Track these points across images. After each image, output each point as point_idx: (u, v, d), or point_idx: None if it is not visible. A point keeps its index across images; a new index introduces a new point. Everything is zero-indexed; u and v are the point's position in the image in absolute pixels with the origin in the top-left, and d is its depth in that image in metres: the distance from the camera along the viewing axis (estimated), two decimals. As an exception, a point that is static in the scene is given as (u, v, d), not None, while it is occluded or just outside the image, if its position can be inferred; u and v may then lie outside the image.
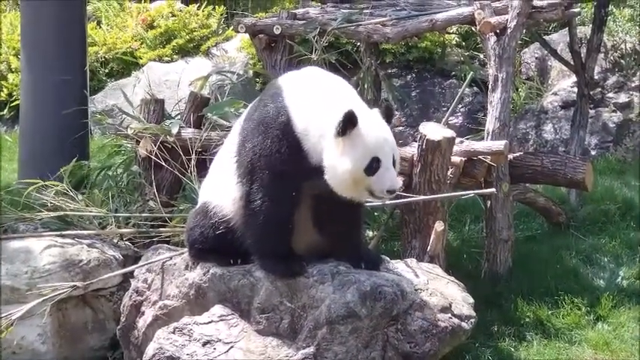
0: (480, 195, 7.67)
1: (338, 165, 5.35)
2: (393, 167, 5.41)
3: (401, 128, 7.67)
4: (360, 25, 8.38)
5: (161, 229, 7.47)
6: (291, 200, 5.53)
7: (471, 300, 6.05)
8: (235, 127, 5.93)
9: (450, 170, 7.26)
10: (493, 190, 7.36)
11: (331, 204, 5.53)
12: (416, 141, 7.22)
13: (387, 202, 7.20)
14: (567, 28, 9.62)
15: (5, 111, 13.85)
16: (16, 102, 12.22)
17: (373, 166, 5.34)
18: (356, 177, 5.34)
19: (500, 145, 7.50)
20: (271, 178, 5.50)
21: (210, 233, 5.82)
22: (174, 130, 7.81)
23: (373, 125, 5.40)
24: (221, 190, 5.79)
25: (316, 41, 8.35)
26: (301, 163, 5.45)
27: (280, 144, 5.48)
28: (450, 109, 8.44)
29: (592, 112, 10.96)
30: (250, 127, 5.65)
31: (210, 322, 5.71)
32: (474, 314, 5.92)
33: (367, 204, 6.90)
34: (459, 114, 12.26)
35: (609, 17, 10.81)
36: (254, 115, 5.67)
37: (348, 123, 5.29)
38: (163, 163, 7.79)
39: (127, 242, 7.51)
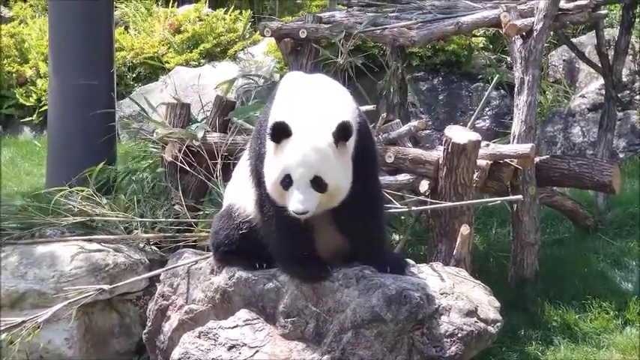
0: (506, 200, 7.64)
1: (267, 172, 5.42)
2: (308, 189, 5.32)
3: (428, 132, 7.65)
4: (386, 28, 8.35)
5: (187, 233, 7.48)
6: None
7: (497, 304, 6.03)
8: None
9: (476, 174, 7.23)
10: (520, 197, 7.31)
11: (352, 207, 5.50)
12: (442, 144, 7.20)
13: (413, 207, 7.22)
14: (595, 31, 9.56)
15: (34, 116, 13.95)
16: (45, 107, 12.30)
17: (286, 183, 5.33)
18: (276, 188, 5.38)
19: (526, 148, 7.47)
20: None
21: (234, 235, 5.84)
22: (200, 135, 7.82)
23: (301, 142, 5.32)
24: (243, 191, 5.82)
25: (342, 45, 8.34)
26: None
27: (266, 147, 5.50)
28: (476, 112, 8.41)
29: (620, 114, 10.89)
30: (254, 129, 5.74)
31: (235, 327, 5.73)
32: (500, 318, 5.90)
33: (392, 209, 6.94)
34: (486, 117, 12.23)
35: (638, 19, 10.73)
36: (259, 116, 5.73)
37: (276, 133, 5.30)
38: (189, 168, 7.81)
39: (153, 247, 7.53)
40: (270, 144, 5.39)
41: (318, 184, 5.32)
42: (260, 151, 5.57)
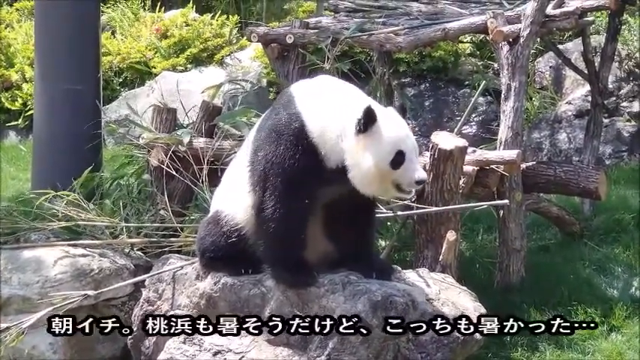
0: (492, 205, 7.65)
1: (363, 162, 5.34)
2: (417, 160, 5.44)
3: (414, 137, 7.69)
4: (373, 34, 8.36)
5: (172, 238, 7.46)
6: (303, 208, 5.50)
7: (483, 310, 6.01)
8: (249, 136, 5.92)
9: (462, 180, 7.24)
10: (506, 201, 7.34)
11: (342, 212, 5.56)
12: (429, 150, 7.20)
13: (399, 213, 7.21)
14: (581, 37, 9.59)
15: (20, 120, 13.90)
16: (31, 111, 12.26)
17: (399, 160, 5.34)
18: (382, 172, 5.34)
19: (512, 154, 7.48)
20: (284, 186, 5.47)
21: (221, 242, 5.80)
22: (186, 140, 7.80)
23: (393, 120, 5.42)
24: (233, 198, 5.77)
25: (329, 50, 8.34)
26: (318, 167, 5.44)
27: (295, 150, 5.46)
28: (462, 119, 8.42)
29: (606, 121, 10.92)
30: (263, 136, 5.64)
31: (221, 332, 5.71)
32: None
33: (379, 214, 6.93)
34: (473, 123, 12.24)
35: (624, 26, 10.77)
36: (267, 123, 5.67)
37: (368, 119, 5.32)
38: (175, 173, 7.79)
39: (138, 252, 7.51)
40: (349, 136, 5.37)
41: (416, 155, 5.47)
42: (277, 152, 5.51)
